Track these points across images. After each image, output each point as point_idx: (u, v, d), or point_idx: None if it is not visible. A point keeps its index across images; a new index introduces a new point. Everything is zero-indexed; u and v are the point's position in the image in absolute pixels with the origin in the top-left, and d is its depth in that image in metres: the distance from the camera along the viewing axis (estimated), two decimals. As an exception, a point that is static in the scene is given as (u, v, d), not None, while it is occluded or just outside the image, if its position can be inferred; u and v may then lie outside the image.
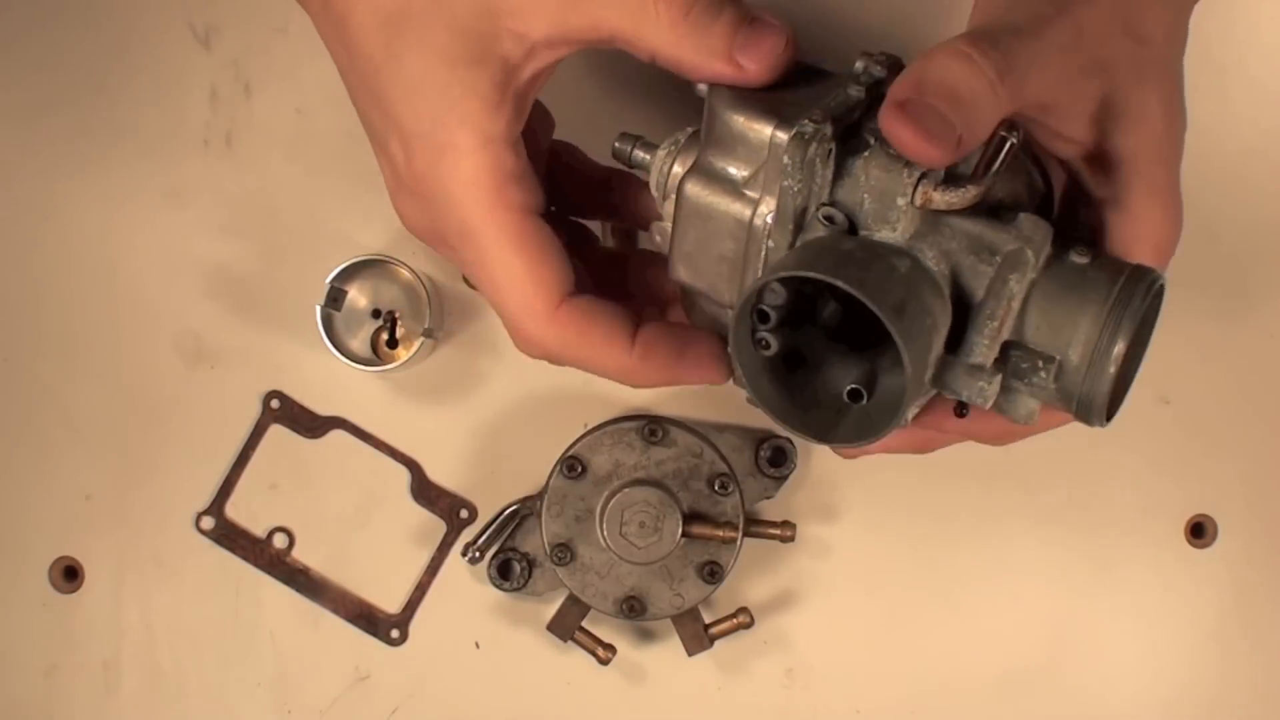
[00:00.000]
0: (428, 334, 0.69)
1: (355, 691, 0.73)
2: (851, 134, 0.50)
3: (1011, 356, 0.50)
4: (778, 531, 0.70)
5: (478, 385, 0.72)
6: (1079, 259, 0.50)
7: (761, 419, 0.72)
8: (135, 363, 0.72)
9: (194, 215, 0.71)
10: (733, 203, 0.51)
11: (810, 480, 0.73)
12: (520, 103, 0.52)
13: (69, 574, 0.72)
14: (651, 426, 0.69)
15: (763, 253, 0.52)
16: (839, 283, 0.46)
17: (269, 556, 0.72)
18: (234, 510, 0.72)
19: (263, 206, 0.71)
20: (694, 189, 0.52)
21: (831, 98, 0.50)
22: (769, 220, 0.51)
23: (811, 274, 0.47)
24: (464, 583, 0.72)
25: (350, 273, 0.69)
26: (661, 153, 0.55)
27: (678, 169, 0.54)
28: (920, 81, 0.47)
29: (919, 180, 0.48)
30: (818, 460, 0.72)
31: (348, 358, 0.69)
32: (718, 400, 0.72)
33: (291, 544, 0.72)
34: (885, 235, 0.49)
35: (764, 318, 0.50)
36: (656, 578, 0.69)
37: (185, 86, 0.71)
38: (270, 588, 0.72)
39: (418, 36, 0.50)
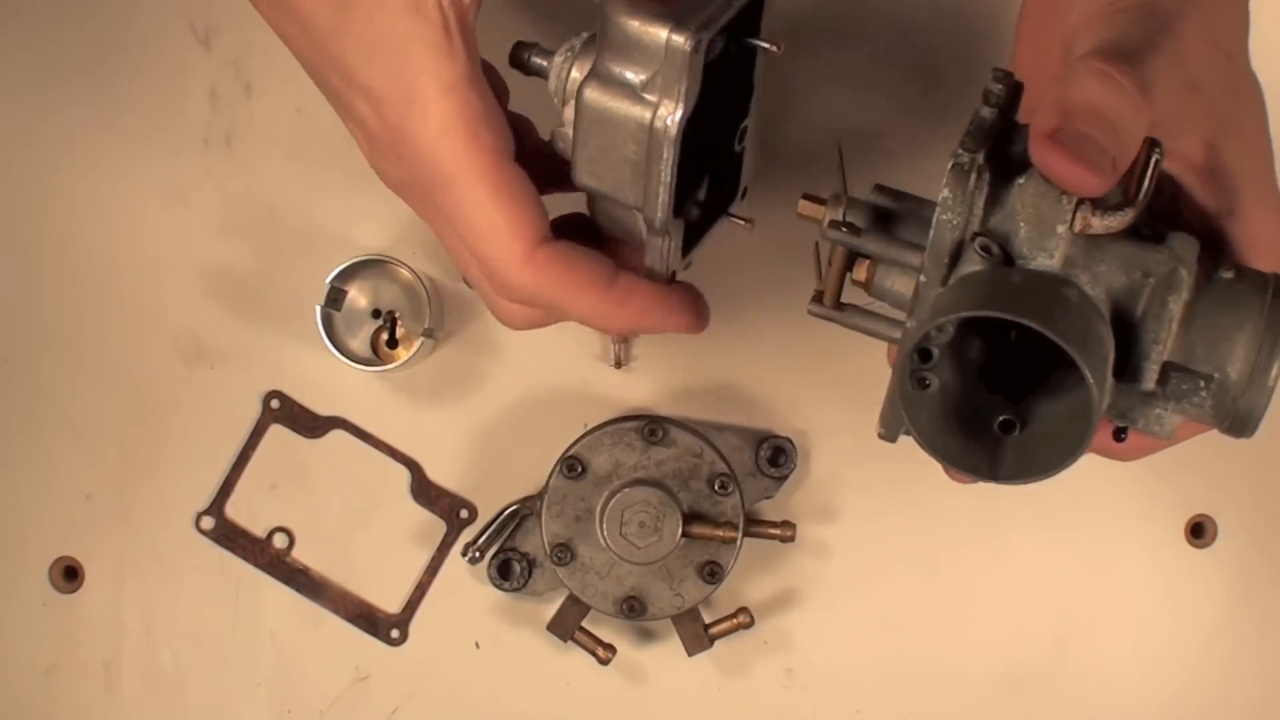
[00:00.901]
0: (428, 334, 0.69)
1: (355, 691, 0.73)
2: (995, 156, 0.49)
3: (1171, 377, 0.50)
4: (778, 531, 0.70)
5: (478, 385, 0.72)
6: (1226, 274, 0.50)
7: (761, 419, 0.72)
8: (135, 363, 0.72)
9: (194, 215, 0.71)
10: (632, 107, 0.52)
11: (810, 480, 0.73)
12: (468, 38, 0.53)
13: (69, 574, 0.72)
14: (651, 426, 0.69)
15: (666, 157, 0.52)
16: (1027, 322, 0.45)
17: (269, 556, 0.72)
18: (234, 510, 0.72)
19: (263, 206, 0.71)
20: (593, 95, 0.52)
21: (970, 122, 0.49)
22: (669, 123, 0.51)
23: (996, 314, 0.46)
24: (464, 583, 0.72)
25: (350, 273, 0.69)
26: (558, 59, 0.55)
27: (575, 74, 0.54)
28: (1065, 107, 0.46)
29: (1077, 206, 0.47)
30: (818, 460, 0.72)
31: (348, 358, 0.69)
32: (718, 400, 0.72)
33: (291, 544, 0.72)
34: (1042, 263, 0.49)
35: (926, 356, 0.49)
36: (656, 578, 0.69)
37: (185, 86, 0.71)
38: (270, 588, 0.72)
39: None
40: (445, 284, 0.71)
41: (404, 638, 0.73)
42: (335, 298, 0.69)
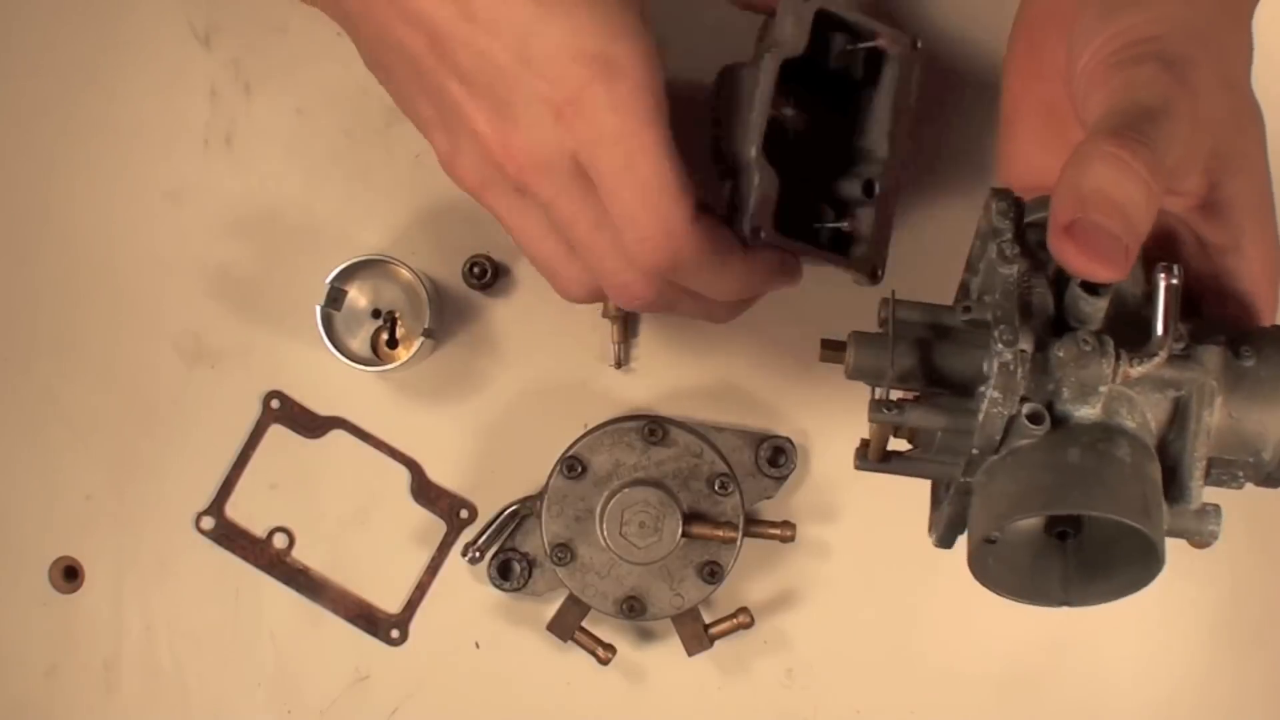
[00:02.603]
0: (428, 334, 0.69)
1: (355, 691, 0.73)
2: (1024, 313, 0.50)
3: (1210, 472, 0.52)
4: (778, 531, 0.70)
5: (478, 385, 0.72)
6: (1247, 362, 0.51)
7: (761, 419, 0.72)
8: (135, 363, 0.72)
9: (194, 215, 0.71)
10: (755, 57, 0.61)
11: (810, 480, 0.73)
12: (645, 11, 0.56)
13: (69, 574, 0.72)
14: (651, 426, 0.69)
15: (762, 87, 0.58)
16: (1098, 513, 0.47)
17: (269, 556, 0.72)
18: (234, 510, 0.72)
19: (263, 206, 0.71)
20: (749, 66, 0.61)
21: (998, 293, 0.50)
22: (766, 57, 0.58)
23: (1067, 510, 0.48)
24: (464, 583, 0.72)
25: (350, 273, 0.69)
26: None
27: None
28: (1078, 197, 0.47)
29: (1116, 361, 0.49)
30: (818, 460, 0.72)
31: (348, 358, 0.69)
32: (718, 400, 0.72)
33: (291, 544, 0.72)
34: (1085, 414, 0.50)
35: (994, 539, 0.51)
36: (656, 578, 0.69)
37: (185, 86, 0.71)
38: (270, 588, 0.72)
39: None
40: (445, 284, 0.71)
41: (404, 638, 0.73)
42: (335, 298, 0.69)
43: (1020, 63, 0.59)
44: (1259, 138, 0.53)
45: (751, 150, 0.59)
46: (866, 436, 0.54)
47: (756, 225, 0.59)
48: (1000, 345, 0.48)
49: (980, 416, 0.49)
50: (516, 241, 0.60)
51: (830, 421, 0.72)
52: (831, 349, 0.54)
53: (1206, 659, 0.73)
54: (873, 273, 0.63)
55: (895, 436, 0.54)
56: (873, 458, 0.54)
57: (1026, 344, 0.49)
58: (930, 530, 0.56)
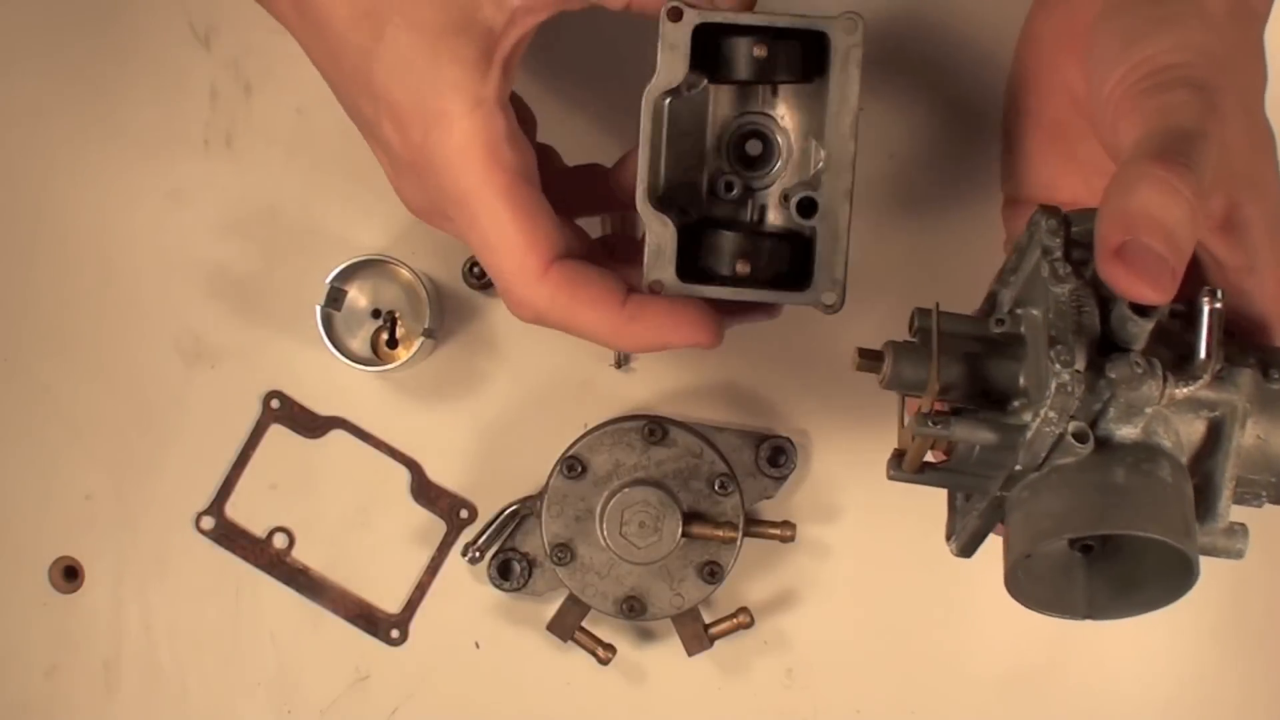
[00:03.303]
0: (428, 334, 0.69)
1: (355, 691, 0.73)
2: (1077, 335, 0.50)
3: (1236, 492, 0.52)
4: (778, 531, 0.70)
5: (478, 385, 0.72)
6: (1276, 385, 0.52)
7: (761, 419, 0.72)
8: (135, 363, 0.72)
9: (194, 215, 0.71)
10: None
11: (810, 480, 0.73)
12: (506, 68, 0.54)
13: (69, 574, 0.72)
14: (651, 426, 0.69)
15: (643, 126, 0.55)
16: (1142, 534, 0.48)
17: (269, 556, 0.72)
18: (234, 510, 0.72)
19: (263, 206, 0.71)
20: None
21: (1052, 313, 0.50)
22: (646, 90, 0.54)
23: (1115, 530, 0.49)
24: (464, 583, 0.72)
25: (350, 273, 0.69)
26: None
27: None
28: (1127, 221, 0.47)
29: (1164, 385, 0.49)
30: (818, 460, 0.72)
31: (348, 358, 0.69)
32: (718, 400, 0.72)
33: (291, 544, 0.72)
34: (1126, 433, 0.50)
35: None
36: (656, 578, 0.69)
37: (185, 86, 0.71)
38: (270, 588, 0.72)
39: (402, 16, 0.53)
40: (445, 284, 0.71)
41: (404, 638, 0.73)
42: (335, 298, 0.69)
43: (1027, 80, 0.59)
44: (1273, 161, 0.54)
45: (639, 197, 0.56)
46: (898, 446, 0.54)
47: (654, 278, 0.56)
48: (1058, 365, 0.48)
49: (1029, 434, 0.49)
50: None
51: (830, 421, 0.72)
52: (868, 358, 0.53)
53: (1207, 659, 0.73)
54: (833, 303, 0.57)
55: (933, 449, 0.54)
56: (909, 469, 0.54)
57: (1081, 364, 0.49)
58: (950, 539, 0.56)
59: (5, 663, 0.72)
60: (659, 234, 0.56)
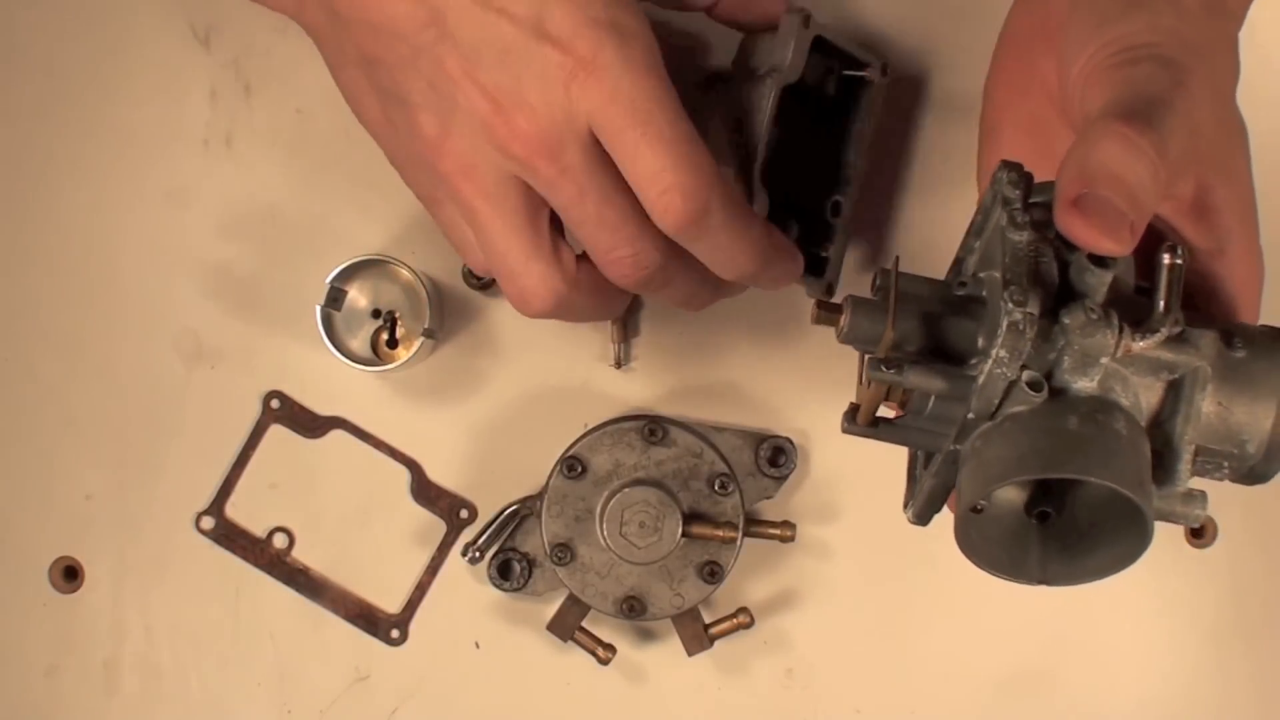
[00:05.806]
0: (428, 334, 0.69)
1: (355, 691, 0.73)
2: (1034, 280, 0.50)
3: (1195, 461, 0.52)
4: (778, 531, 0.70)
5: (478, 385, 0.72)
6: (1239, 353, 0.51)
7: (761, 419, 0.72)
8: (135, 363, 0.72)
9: (194, 215, 0.71)
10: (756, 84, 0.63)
11: (810, 480, 0.73)
12: None
13: (69, 574, 0.72)
14: (651, 426, 0.69)
15: (762, 108, 0.61)
16: (1094, 479, 0.47)
17: (269, 556, 0.72)
18: (234, 510, 0.72)
19: (263, 206, 0.71)
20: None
21: (1008, 258, 0.50)
22: (768, 81, 0.61)
23: (1064, 475, 0.48)
24: (464, 583, 0.72)
25: (350, 273, 0.69)
26: None
27: None
28: (1086, 173, 0.47)
29: (1120, 335, 0.49)
30: (818, 460, 0.73)
31: (348, 358, 0.69)
32: (718, 400, 0.72)
33: (291, 544, 0.73)
34: (1082, 386, 0.50)
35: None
36: (656, 578, 0.69)
37: (185, 86, 0.71)
38: (270, 588, 0.72)
39: None
40: (445, 284, 0.71)
41: (404, 638, 0.73)
42: (335, 298, 0.69)
43: (1005, 76, 0.60)
44: (1244, 148, 0.55)
45: (754, 172, 0.60)
46: (855, 401, 0.54)
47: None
48: (1011, 305, 0.48)
49: (981, 378, 0.49)
50: (479, 242, 0.58)
51: (830, 421, 0.71)
52: (827, 310, 0.53)
53: (1206, 658, 0.73)
54: (829, 289, 0.66)
55: (887, 401, 0.53)
56: (862, 421, 0.54)
57: (1034, 307, 0.48)
58: (906, 506, 0.55)
59: (5, 663, 0.72)
60: (760, 207, 0.61)
